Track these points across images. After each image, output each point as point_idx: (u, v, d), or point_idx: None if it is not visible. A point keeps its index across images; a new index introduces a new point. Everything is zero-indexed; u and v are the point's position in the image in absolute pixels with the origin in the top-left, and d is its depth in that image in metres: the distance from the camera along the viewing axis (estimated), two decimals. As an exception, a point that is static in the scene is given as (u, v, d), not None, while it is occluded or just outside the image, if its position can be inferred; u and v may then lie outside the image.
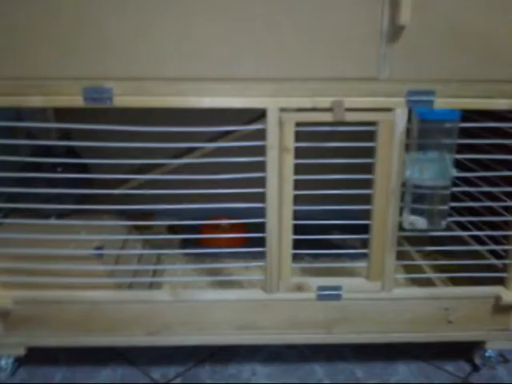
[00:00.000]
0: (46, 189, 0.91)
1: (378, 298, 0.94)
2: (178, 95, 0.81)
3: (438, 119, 0.85)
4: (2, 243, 0.92)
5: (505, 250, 0.96)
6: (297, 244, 0.91)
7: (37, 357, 1.02)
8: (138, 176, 1.12)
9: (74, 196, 0.98)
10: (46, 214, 1.00)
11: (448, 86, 0.82)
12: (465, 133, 0.90)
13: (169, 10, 0.78)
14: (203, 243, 1.26)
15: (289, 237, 0.90)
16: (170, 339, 0.96)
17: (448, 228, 0.98)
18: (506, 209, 0.95)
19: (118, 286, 0.96)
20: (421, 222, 0.91)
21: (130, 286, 1.00)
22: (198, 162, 0.93)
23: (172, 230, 1.32)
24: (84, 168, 0.99)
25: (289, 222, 0.89)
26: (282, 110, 0.82)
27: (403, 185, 0.88)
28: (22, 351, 0.96)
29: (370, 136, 0.85)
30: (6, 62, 0.79)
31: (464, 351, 1.05)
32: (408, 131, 0.86)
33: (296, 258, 0.92)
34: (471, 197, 1.02)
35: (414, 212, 0.91)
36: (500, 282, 0.96)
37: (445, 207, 0.90)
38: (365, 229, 0.91)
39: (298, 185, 0.87)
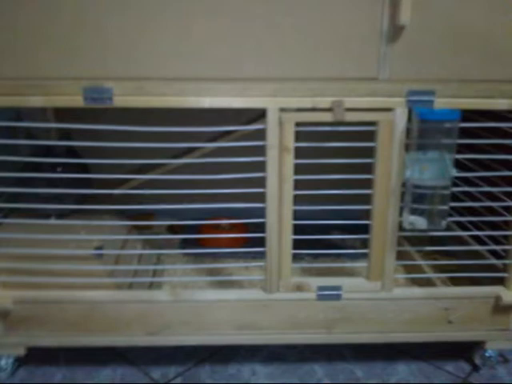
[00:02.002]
0: (46, 189, 0.91)
1: (378, 297, 0.94)
2: (178, 95, 0.81)
3: (438, 119, 0.85)
4: (2, 243, 0.92)
5: (505, 250, 0.96)
6: (297, 244, 0.91)
7: (37, 357, 1.02)
8: (138, 176, 1.12)
9: (73, 196, 0.98)
10: (45, 214, 1.00)
11: (448, 85, 0.82)
12: (465, 133, 0.90)
13: (169, 10, 0.78)
14: (203, 243, 1.26)
15: (289, 237, 0.90)
16: (170, 339, 0.96)
17: (448, 228, 0.98)
18: (506, 209, 0.95)
19: (118, 286, 0.96)
20: (421, 222, 0.91)
21: (130, 286, 1.00)
22: (197, 162, 0.93)
23: (172, 229, 1.32)
24: (84, 168, 0.99)
25: (289, 222, 0.89)
26: (282, 110, 0.82)
27: (403, 185, 0.88)
28: (22, 351, 0.96)
29: (370, 136, 0.85)
30: (6, 61, 0.79)
31: (464, 351, 1.05)
32: (408, 131, 0.86)
33: (296, 257, 0.92)
34: (471, 197, 1.02)
35: (413, 212, 0.91)
36: (500, 282, 0.96)
37: (445, 207, 0.90)
38: (365, 229, 0.91)
39: (297, 185, 0.87)
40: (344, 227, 1.13)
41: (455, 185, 0.94)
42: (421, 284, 1.04)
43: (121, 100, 0.81)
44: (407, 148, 0.87)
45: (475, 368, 1.03)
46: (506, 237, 0.95)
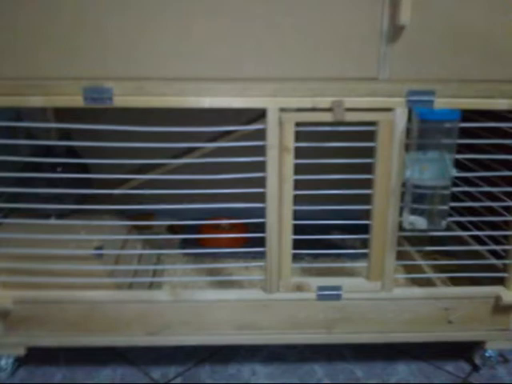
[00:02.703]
0: (46, 189, 0.91)
1: (378, 297, 0.94)
2: (178, 95, 0.81)
3: (438, 119, 0.85)
4: (2, 243, 0.92)
5: (505, 250, 0.96)
6: (297, 244, 0.91)
7: (37, 357, 1.02)
8: (138, 176, 1.12)
9: (73, 196, 0.98)
10: (46, 214, 1.00)
11: (448, 85, 0.82)
12: (465, 133, 0.90)
13: (169, 10, 0.78)
14: (203, 243, 1.26)
15: (289, 237, 0.90)
16: (170, 339, 0.96)
17: (448, 228, 0.98)
18: (506, 209, 0.95)
19: (118, 286, 0.96)
20: (421, 222, 0.91)
21: (130, 286, 1.00)
22: (197, 162, 0.93)
23: (172, 229, 1.32)
24: (84, 168, 0.99)
25: (289, 222, 0.89)
26: (282, 110, 0.82)
27: (403, 185, 0.88)
28: (22, 351, 0.96)
29: (370, 136, 0.85)
30: (6, 61, 0.79)
31: (464, 351, 1.05)
32: (408, 131, 0.86)
33: (296, 257, 0.92)
34: (471, 197, 1.02)
35: (413, 212, 0.91)
36: (500, 282, 0.96)
37: (445, 207, 0.90)
38: (365, 229, 0.91)
39: (297, 185, 0.87)
40: (344, 227, 1.13)
41: (455, 185, 0.94)
42: (421, 284, 1.04)
43: (121, 100, 0.81)
44: (407, 148, 0.87)
45: (475, 368, 1.03)
46: (506, 237, 0.95)
